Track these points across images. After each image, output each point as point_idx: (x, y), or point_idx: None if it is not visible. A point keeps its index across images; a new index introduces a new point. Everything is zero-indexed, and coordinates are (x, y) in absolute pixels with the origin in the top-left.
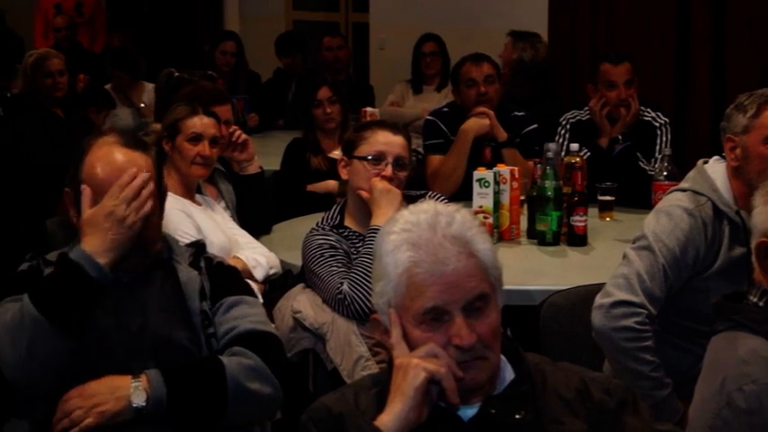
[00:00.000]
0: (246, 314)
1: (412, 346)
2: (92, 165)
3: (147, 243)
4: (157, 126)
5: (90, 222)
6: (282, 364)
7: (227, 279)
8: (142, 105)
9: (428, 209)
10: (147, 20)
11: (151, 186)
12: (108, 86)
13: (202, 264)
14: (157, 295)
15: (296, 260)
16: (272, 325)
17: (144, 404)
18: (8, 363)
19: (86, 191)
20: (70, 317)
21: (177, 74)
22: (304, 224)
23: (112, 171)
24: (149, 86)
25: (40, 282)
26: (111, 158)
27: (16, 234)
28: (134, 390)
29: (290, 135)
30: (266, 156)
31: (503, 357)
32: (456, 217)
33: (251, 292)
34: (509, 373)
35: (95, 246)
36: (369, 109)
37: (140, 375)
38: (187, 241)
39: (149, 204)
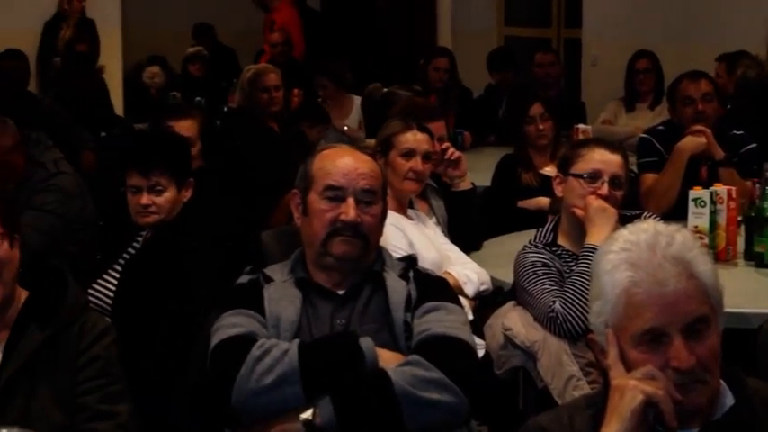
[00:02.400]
0: (442, 319)
1: (629, 367)
2: (322, 159)
3: (366, 261)
4: (371, 141)
5: None
6: (468, 371)
7: (433, 287)
8: (345, 128)
9: (647, 228)
10: (363, 36)
11: None
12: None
13: (411, 274)
14: (365, 307)
15: (506, 277)
16: (476, 337)
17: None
18: (243, 390)
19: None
20: (324, 392)
21: (385, 89)
22: (515, 241)
23: (345, 165)
24: (358, 100)
25: (318, 348)
26: (344, 157)
27: (232, 247)
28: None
29: (501, 151)
30: (477, 172)
31: (722, 382)
32: (676, 237)
33: (456, 301)
34: (729, 399)
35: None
36: (581, 126)
37: (310, 407)
38: (399, 255)
39: None
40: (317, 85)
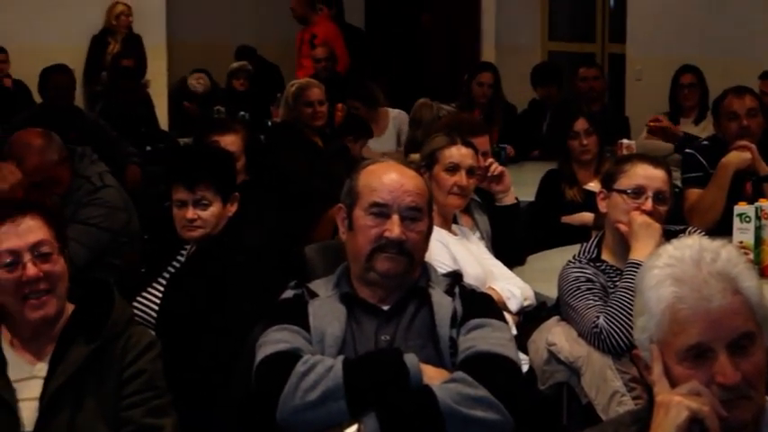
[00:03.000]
0: (487, 336)
1: (673, 383)
2: (368, 175)
3: (411, 277)
4: (415, 156)
5: None
6: (513, 389)
7: (479, 303)
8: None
9: (692, 244)
10: (406, 52)
11: None
12: None
13: (456, 290)
14: (410, 323)
15: (550, 292)
16: (520, 353)
17: None
18: (288, 406)
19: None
20: (368, 408)
21: (433, 105)
22: (558, 256)
23: (391, 182)
24: (394, 112)
25: (362, 365)
26: (390, 173)
27: (276, 261)
28: None
29: (544, 166)
30: (521, 186)
31: None
32: (721, 253)
33: (501, 318)
34: None
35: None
36: (625, 141)
37: (355, 423)
38: (443, 271)
39: None
40: (350, 107)
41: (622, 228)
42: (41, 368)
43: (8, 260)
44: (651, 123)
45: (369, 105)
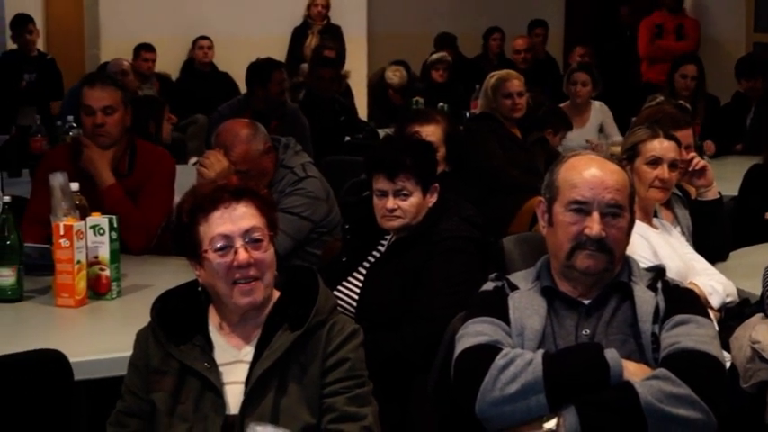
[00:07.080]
0: (692, 333)
1: None
2: (568, 170)
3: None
4: (616, 149)
5: None
6: (717, 388)
7: (683, 299)
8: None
9: None
10: (608, 45)
11: None
12: (564, 105)
13: (659, 285)
14: (611, 318)
15: (754, 289)
16: (722, 351)
17: None
18: (487, 399)
19: None
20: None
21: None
22: (763, 252)
23: (592, 178)
24: (596, 104)
25: (562, 359)
26: (590, 168)
27: (474, 252)
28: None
29: (748, 160)
30: (724, 181)
31: None
32: None
33: (706, 314)
34: None
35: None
36: None
37: (554, 417)
38: (644, 265)
39: None
40: (577, 81)
41: None
42: (247, 353)
43: (220, 244)
44: None
45: (594, 87)
